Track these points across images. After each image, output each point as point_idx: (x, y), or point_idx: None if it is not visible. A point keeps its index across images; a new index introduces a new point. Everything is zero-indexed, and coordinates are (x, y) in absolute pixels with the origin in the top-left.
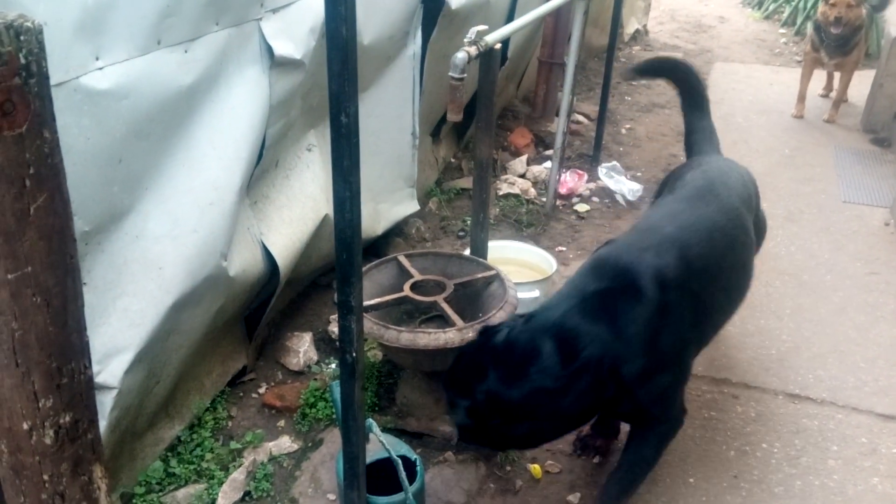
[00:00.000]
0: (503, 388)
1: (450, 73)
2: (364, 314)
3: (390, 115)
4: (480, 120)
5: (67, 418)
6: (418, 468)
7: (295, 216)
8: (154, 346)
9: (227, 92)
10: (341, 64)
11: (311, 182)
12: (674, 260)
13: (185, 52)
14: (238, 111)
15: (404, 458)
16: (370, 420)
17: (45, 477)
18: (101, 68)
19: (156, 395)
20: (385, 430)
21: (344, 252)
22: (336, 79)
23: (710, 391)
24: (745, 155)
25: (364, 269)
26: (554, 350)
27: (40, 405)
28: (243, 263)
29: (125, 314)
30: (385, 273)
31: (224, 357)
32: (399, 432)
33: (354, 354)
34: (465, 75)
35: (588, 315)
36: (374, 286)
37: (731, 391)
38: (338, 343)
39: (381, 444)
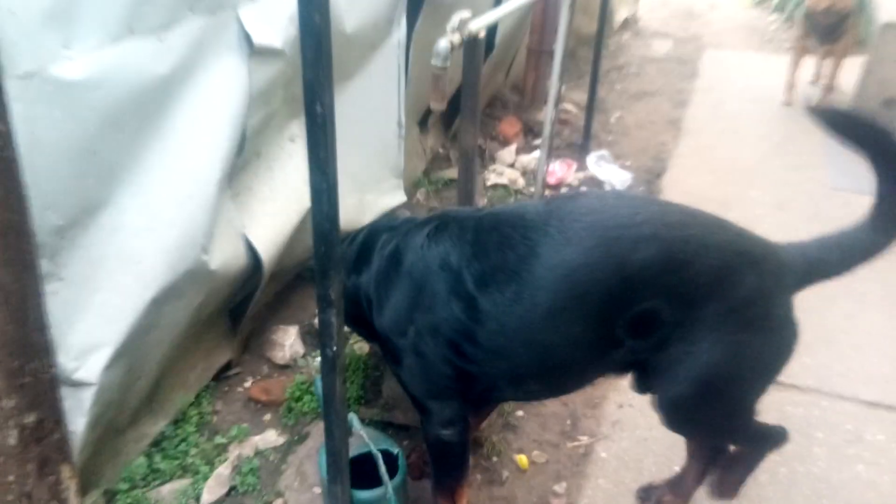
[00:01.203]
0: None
1: (432, 62)
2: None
3: (375, 104)
4: (465, 109)
5: (31, 418)
6: (400, 462)
7: (278, 208)
8: (134, 341)
9: (204, 81)
10: (315, 51)
11: (294, 173)
12: None
13: (160, 40)
14: (216, 101)
15: (386, 452)
16: (351, 414)
17: (10, 478)
18: (71, 58)
19: (138, 391)
20: (371, 423)
21: (322, 245)
22: (310, 67)
23: None
24: (735, 143)
25: None
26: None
27: (2, 405)
28: (225, 257)
29: (103, 309)
30: None
31: (208, 351)
32: (385, 425)
33: (335, 349)
34: (449, 64)
35: None
36: None
37: None
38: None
39: (362, 438)
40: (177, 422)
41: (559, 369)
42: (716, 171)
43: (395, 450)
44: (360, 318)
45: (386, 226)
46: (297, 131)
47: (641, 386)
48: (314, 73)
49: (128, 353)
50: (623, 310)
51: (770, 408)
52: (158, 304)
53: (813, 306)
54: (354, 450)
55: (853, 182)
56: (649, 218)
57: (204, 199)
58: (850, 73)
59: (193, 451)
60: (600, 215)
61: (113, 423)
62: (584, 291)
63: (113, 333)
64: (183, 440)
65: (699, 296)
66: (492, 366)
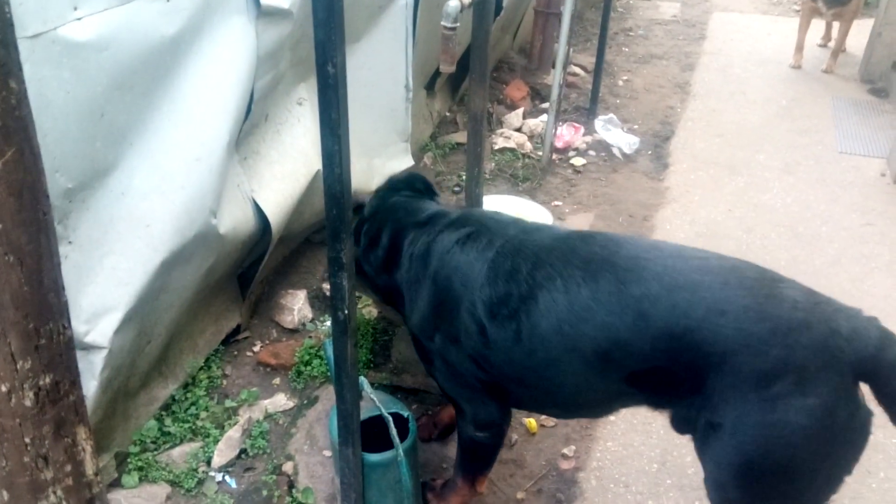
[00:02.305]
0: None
1: (441, 23)
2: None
3: (383, 67)
4: (474, 72)
5: (47, 380)
6: (410, 425)
7: (286, 172)
8: (144, 305)
9: (211, 43)
10: (326, 10)
11: (302, 137)
12: None
13: (167, 1)
14: (224, 63)
15: (397, 416)
16: (362, 378)
17: (27, 440)
18: (79, 18)
19: (148, 354)
20: (380, 387)
21: (334, 207)
22: (322, 27)
23: None
24: (743, 106)
25: None
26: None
27: (18, 367)
28: (234, 221)
29: (113, 273)
30: None
31: (217, 316)
32: (394, 388)
33: (346, 312)
34: (458, 24)
35: None
36: None
37: None
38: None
39: (372, 401)
40: (187, 385)
41: (571, 404)
42: (723, 134)
43: (406, 413)
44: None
45: (412, 222)
46: (304, 94)
47: (678, 426)
48: (326, 32)
49: (138, 317)
50: (621, 369)
51: None
52: (168, 268)
53: (820, 270)
54: (365, 413)
55: (860, 146)
56: (657, 274)
57: (213, 163)
58: (859, 36)
59: (203, 414)
60: (603, 264)
61: (123, 387)
62: (575, 346)
63: (123, 297)
64: (193, 403)
65: (710, 364)
66: (510, 386)
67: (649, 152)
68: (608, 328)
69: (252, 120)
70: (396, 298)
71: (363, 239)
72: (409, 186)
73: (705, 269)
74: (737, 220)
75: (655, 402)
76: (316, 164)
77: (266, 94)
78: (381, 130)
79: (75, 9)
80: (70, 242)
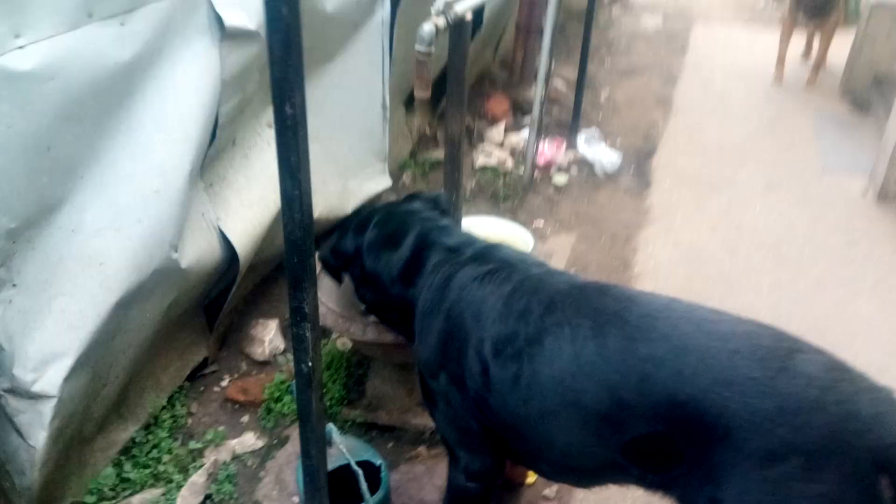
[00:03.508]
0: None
1: (416, 47)
2: (329, 306)
3: (358, 86)
4: (451, 96)
5: None
6: (383, 474)
7: (255, 198)
8: (98, 348)
9: (171, 68)
10: (283, 47)
11: (273, 161)
12: None
13: (122, 24)
14: (185, 88)
15: (368, 465)
16: (330, 425)
17: None
18: (21, 47)
19: (104, 398)
20: (354, 424)
21: (295, 255)
22: (278, 65)
23: None
24: (725, 121)
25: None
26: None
27: None
28: (197, 253)
29: (63, 316)
30: None
31: (182, 350)
32: (369, 426)
33: (310, 364)
34: (433, 49)
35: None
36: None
37: None
38: (292, 352)
39: (342, 451)
40: (148, 426)
41: (562, 464)
42: (706, 151)
43: (378, 461)
44: (408, 326)
45: (442, 242)
46: None
47: None
48: (283, 70)
49: (91, 361)
50: (620, 432)
51: None
52: (124, 308)
53: (803, 294)
54: (334, 461)
55: (843, 162)
56: (666, 335)
57: (173, 194)
58: (841, 49)
59: (166, 457)
60: (613, 318)
61: (78, 434)
62: (575, 400)
63: (74, 341)
64: (155, 446)
65: (714, 437)
66: (506, 434)
67: (632, 169)
68: (611, 386)
69: (218, 145)
70: (400, 317)
71: (372, 229)
72: (434, 202)
73: (716, 333)
74: (720, 240)
75: (654, 479)
76: None
77: (233, 119)
78: (357, 151)
79: (17, 36)
80: (14, 285)
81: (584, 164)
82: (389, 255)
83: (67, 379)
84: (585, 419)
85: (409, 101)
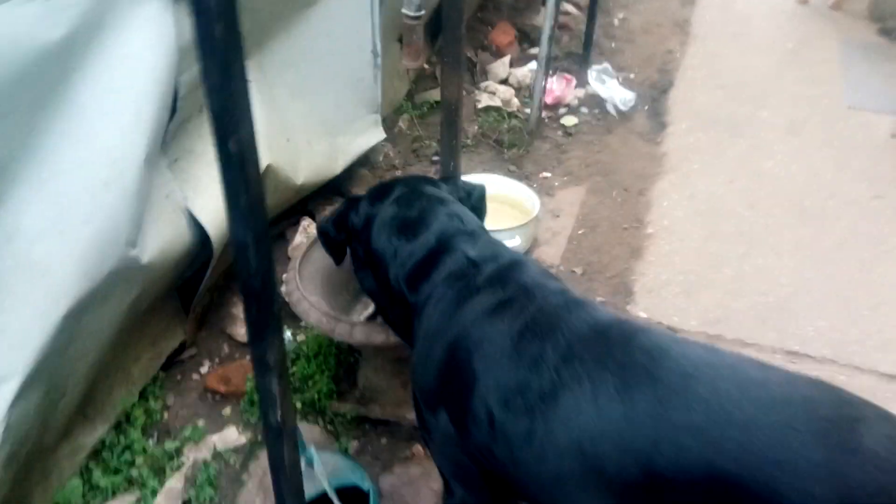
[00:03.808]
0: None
1: (403, 10)
2: (311, 300)
3: (344, 31)
4: (447, 54)
5: None
6: (372, 500)
7: None
8: (49, 363)
9: (116, 41)
10: (222, 73)
11: None
12: None
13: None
14: (135, 62)
15: (355, 491)
16: (311, 450)
17: None
18: None
19: (65, 406)
20: (345, 420)
21: (254, 306)
22: (216, 95)
23: None
24: (746, 50)
25: (305, 248)
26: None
27: None
28: (162, 243)
29: (3, 336)
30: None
31: (155, 337)
32: (361, 420)
33: (280, 417)
34: (423, 13)
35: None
36: (317, 272)
37: (726, 349)
38: (259, 404)
39: (324, 477)
40: (119, 425)
41: None
42: (725, 85)
43: (367, 485)
44: (405, 325)
45: (464, 253)
46: (249, 74)
47: None
48: (222, 101)
49: (43, 377)
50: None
51: None
52: (76, 317)
53: (827, 255)
54: (318, 485)
55: (870, 99)
56: (705, 400)
57: (126, 183)
58: None
59: (139, 459)
60: (643, 376)
61: (37, 446)
62: (596, 467)
63: (19, 362)
64: (127, 447)
65: None
66: (512, 485)
67: (646, 108)
68: (640, 456)
69: (181, 116)
70: (399, 316)
71: (391, 204)
72: (468, 194)
73: (765, 399)
74: (739, 193)
75: None
76: (266, 158)
77: (197, 87)
78: (345, 104)
79: None
80: None
81: (596, 103)
82: (402, 243)
83: (15, 402)
84: (608, 487)
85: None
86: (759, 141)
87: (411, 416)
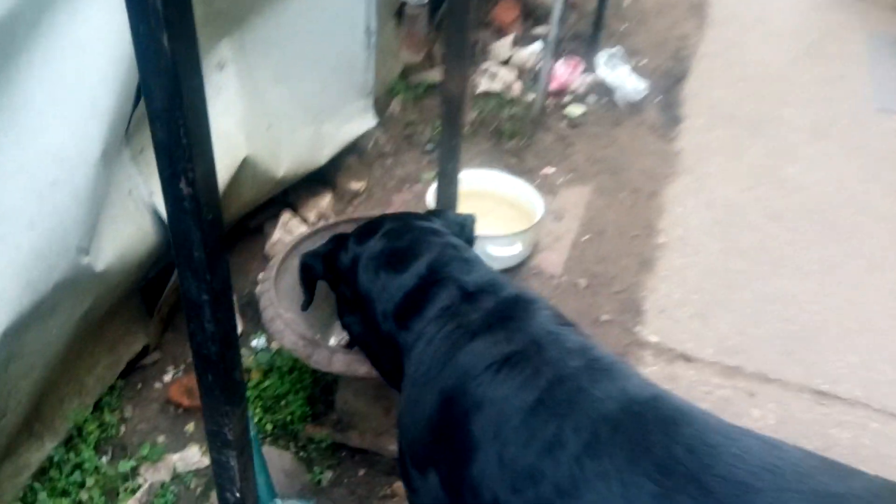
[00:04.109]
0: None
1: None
2: (285, 319)
3: (335, 7)
4: (452, 42)
5: None
6: None
7: None
8: None
9: (69, 21)
10: (168, 98)
11: (223, 114)
12: None
13: None
14: (91, 45)
15: None
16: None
17: None
18: None
19: (5, 427)
20: (319, 447)
21: (209, 374)
22: (162, 124)
23: (721, 386)
24: (767, 39)
25: (282, 256)
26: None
27: None
28: (122, 245)
29: None
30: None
31: (113, 342)
32: (337, 448)
33: (239, 495)
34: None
35: None
36: (296, 283)
37: (746, 386)
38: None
39: None
40: (70, 440)
41: None
42: (745, 78)
43: None
44: (395, 372)
45: (458, 283)
46: (227, 55)
47: None
48: (169, 132)
49: None
50: None
51: (811, 430)
52: (17, 334)
53: (857, 279)
54: None
55: None
56: None
57: (78, 183)
58: None
59: (90, 480)
60: (688, 482)
61: None
62: None
63: None
64: (77, 466)
65: None
66: None
67: (659, 99)
68: None
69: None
70: (391, 362)
71: (379, 239)
72: (461, 228)
73: None
74: (760, 201)
75: None
76: (243, 148)
77: None
78: (333, 88)
79: None
80: None
81: (604, 91)
82: (390, 278)
83: None
84: None
85: (400, 11)
86: (780, 143)
87: (393, 447)
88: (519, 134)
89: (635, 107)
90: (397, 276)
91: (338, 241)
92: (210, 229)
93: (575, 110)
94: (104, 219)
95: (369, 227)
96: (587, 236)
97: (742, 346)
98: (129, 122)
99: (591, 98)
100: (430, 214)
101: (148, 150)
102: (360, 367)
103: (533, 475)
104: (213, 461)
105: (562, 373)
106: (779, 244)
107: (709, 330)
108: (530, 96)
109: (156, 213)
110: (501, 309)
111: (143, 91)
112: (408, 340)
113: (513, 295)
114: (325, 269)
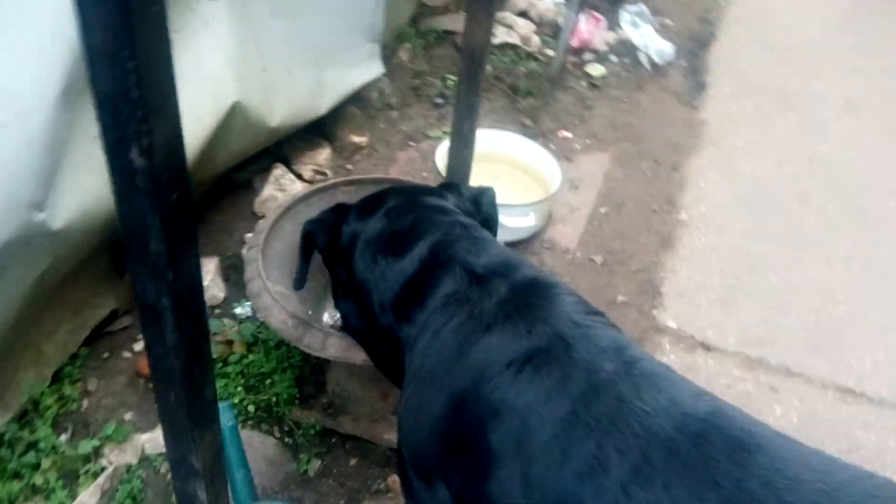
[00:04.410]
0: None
1: None
2: (274, 294)
3: None
4: None
5: None
6: None
7: (184, 107)
8: None
9: None
10: (112, 29)
11: (210, 52)
12: None
13: None
14: None
15: None
16: None
17: None
18: None
19: None
20: (308, 432)
21: (170, 392)
22: (104, 70)
23: (742, 378)
24: (796, 8)
25: (274, 218)
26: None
27: None
28: (85, 201)
29: None
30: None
31: (78, 305)
32: (326, 433)
33: None
34: None
35: None
36: (287, 251)
37: (769, 380)
38: None
39: None
40: (24, 416)
41: None
42: (774, 46)
43: None
44: (396, 368)
45: (466, 266)
46: None
47: None
48: (113, 80)
49: None
50: None
51: (835, 430)
52: None
53: (887, 270)
54: None
55: None
56: None
57: (32, 126)
58: None
59: (47, 461)
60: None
61: None
62: None
63: None
64: (32, 446)
65: None
66: None
67: (684, 63)
68: None
69: None
70: (390, 355)
71: (380, 218)
72: (475, 202)
73: None
74: (788, 180)
75: None
76: (233, 92)
77: None
78: (338, 28)
79: None
80: None
81: (626, 52)
82: (388, 264)
83: None
84: None
85: None
86: (810, 118)
87: (389, 436)
88: (535, 92)
89: (659, 70)
90: (396, 261)
91: (341, 212)
92: (174, 214)
93: (596, 70)
94: (64, 169)
95: (372, 202)
96: (605, 208)
97: (766, 337)
98: None
99: (613, 58)
100: (442, 188)
101: None
102: (358, 353)
103: (568, 502)
104: (178, 492)
105: (597, 378)
106: (806, 228)
107: (730, 317)
108: (549, 52)
109: None
110: (518, 295)
111: (77, 15)
112: (410, 334)
113: (529, 278)
114: (329, 242)
